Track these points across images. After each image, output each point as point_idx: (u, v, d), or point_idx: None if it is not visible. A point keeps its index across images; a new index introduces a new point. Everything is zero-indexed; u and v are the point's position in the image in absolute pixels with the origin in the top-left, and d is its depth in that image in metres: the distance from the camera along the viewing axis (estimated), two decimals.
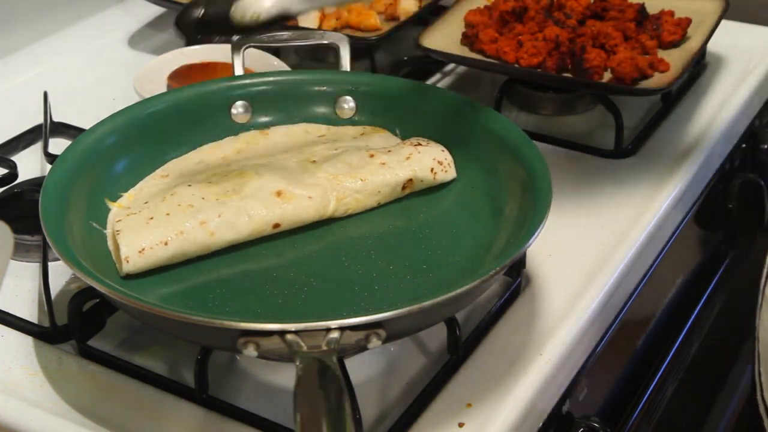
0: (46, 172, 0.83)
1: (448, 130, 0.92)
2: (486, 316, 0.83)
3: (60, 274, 0.88)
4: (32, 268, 0.90)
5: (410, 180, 0.87)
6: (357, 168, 0.87)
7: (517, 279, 0.86)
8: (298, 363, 0.63)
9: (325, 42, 0.99)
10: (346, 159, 0.89)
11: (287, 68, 1.13)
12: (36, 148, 1.08)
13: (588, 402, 0.88)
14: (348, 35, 1.03)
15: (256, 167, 0.87)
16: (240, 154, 0.93)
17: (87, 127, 0.89)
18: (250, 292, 0.79)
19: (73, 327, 0.81)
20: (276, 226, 0.83)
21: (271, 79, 0.97)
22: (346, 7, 1.23)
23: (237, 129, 0.95)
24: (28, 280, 0.89)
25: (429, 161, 0.88)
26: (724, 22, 1.15)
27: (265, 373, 0.79)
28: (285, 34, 1.00)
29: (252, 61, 1.09)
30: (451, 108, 0.92)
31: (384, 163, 0.88)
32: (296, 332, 0.65)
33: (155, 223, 0.81)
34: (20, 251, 0.91)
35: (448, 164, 0.89)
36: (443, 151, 0.89)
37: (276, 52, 1.20)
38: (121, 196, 0.87)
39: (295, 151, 0.91)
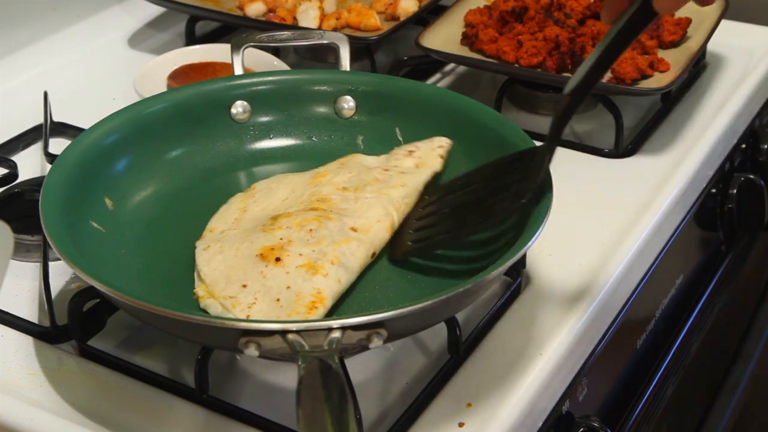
0: (46, 172, 0.83)
1: (447, 129, 0.92)
2: (486, 316, 0.83)
3: (60, 273, 0.88)
4: (32, 268, 0.90)
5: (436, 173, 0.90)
6: (388, 179, 0.88)
7: (517, 279, 0.86)
8: (300, 363, 0.62)
9: (325, 42, 0.99)
10: (372, 178, 0.89)
11: (287, 68, 1.13)
12: (36, 148, 1.08)
13: (588, 402, 0.88)
14: (348, 35, 1.03)
15: (325, 212, 0.85)
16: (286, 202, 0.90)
17: (87, 127, 0.88)
18: None
19: (73, 327, 0.80)
20: (373, 255, 0.82)
21: (270, 78, 0.97)
22: (346, 7, 1.23)
23: (237, 129, 0.95)
24: (28, 280, 0.89)
25: (431, 151, 0.91)
26: (724, 22, 1.16)
27: (266, 373, 0.79)
28: (285, 33, 1.00)
29: (252, 61, 1.09)
30: (451, 108, 0.92)
31: (402, 173, 0.89)
32: (298, 332, 0.65)
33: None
34: (20, 251, 0.91)
35: (447, 143, 0.92)
36: (433, 140, 0.92)
37: (276, 51, 1.20)
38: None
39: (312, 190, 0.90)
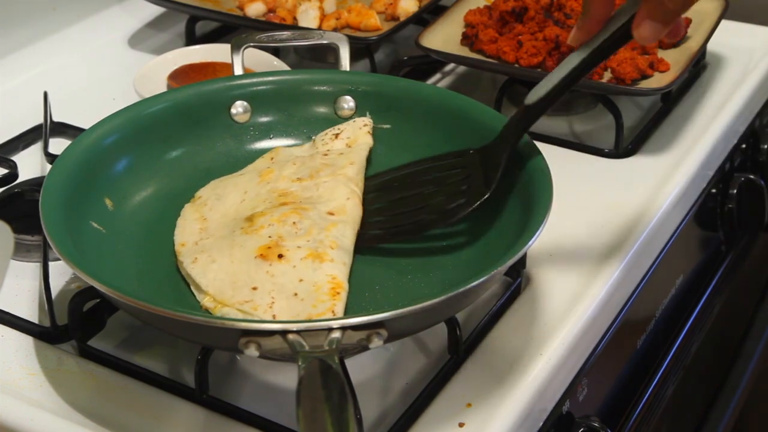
0: (46, 172, 0.83)
1: (447, 130, 0.92)
2: (486, 316, 0.83)
3: (60, 273, 0.88)
4: (32, 268, 0.90)
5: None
6: (334, 162, 0.89)
7: (517, 279, 0.86)
8: (300, 363, 0.62)
9: (325, 42, 0.99)
10: (319, 164, 0.89)
11: (287, 68, 1.13)
12: (36, 148, 1.08)
13: (588, 402, 0.88)
14: (348, 35, 1.03)
15: (301, 204, 0.86)
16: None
17: (87, 127, 0.89)
18: None
19: (73, 327, 0.81)
20: (357, 232, 0.84)
21: (270, 78, 0.97)
22: (346, 7, 1.23)
23: (237, 129, 0.95)
24: (28, 280, 0.89)
25: (359, 130, 0.93)
26: (724, 22, 1.16)
27: (266, 374, 0.79)
28: (285, 33, 1.00)
29: (252, 61, 1.09)
30: (451, 108, 0.92)
31: (342, 153, 0.90)
32: (298, 332, 0.65)
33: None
34: (20, 251, 0.91)
35: (369, 121, 0.94)
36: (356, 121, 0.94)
37: (276, 51, 1.20)
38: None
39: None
